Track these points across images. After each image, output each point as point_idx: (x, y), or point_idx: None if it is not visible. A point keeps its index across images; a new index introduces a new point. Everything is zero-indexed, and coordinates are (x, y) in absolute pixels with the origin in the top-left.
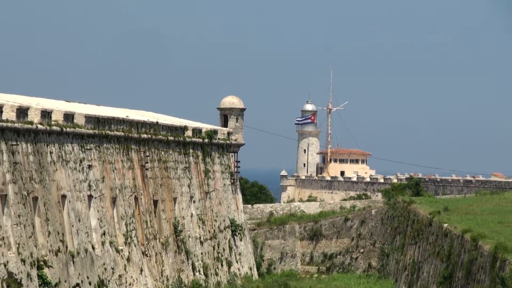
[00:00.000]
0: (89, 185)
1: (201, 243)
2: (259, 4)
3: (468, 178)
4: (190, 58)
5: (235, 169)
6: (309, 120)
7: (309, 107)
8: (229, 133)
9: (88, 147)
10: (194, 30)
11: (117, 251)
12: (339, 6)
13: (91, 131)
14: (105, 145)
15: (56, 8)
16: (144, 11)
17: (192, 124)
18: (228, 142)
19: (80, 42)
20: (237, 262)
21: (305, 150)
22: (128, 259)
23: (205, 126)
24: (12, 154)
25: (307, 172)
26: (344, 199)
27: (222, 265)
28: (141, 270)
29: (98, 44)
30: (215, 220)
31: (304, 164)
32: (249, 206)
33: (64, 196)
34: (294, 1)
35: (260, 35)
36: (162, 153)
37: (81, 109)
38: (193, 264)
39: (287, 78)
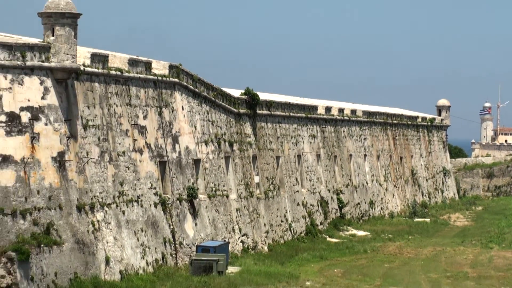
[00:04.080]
0: (364, 149)
1: (426, 180)
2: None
3: None
4: (416, 71)
5: (445, 139)
6: (487, 112)
7: (487, 104)
8: (442, 119)
9: (364, 128)
10: (417, 48)
11: (380, 184)
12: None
13: (365, 119)
14: (373, 127)
15: None
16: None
17: (420, 114)
18: (441, 124)
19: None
20: (446, 190)
21: (484, 128)
22: (386, 189)
23: (428, 116)
24: (322, 132)
25: (486, 140)
26: (507, 155)
27: (438, 192)
28: (393, 195)
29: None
30: (434, 167)
31: (484, 136)
32: (453, 159)
33: (351, 155)
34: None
35: (456, 58)
36: (405, 131)
37: (360, 107)
38: (422, 192)
39: (474, 87)
